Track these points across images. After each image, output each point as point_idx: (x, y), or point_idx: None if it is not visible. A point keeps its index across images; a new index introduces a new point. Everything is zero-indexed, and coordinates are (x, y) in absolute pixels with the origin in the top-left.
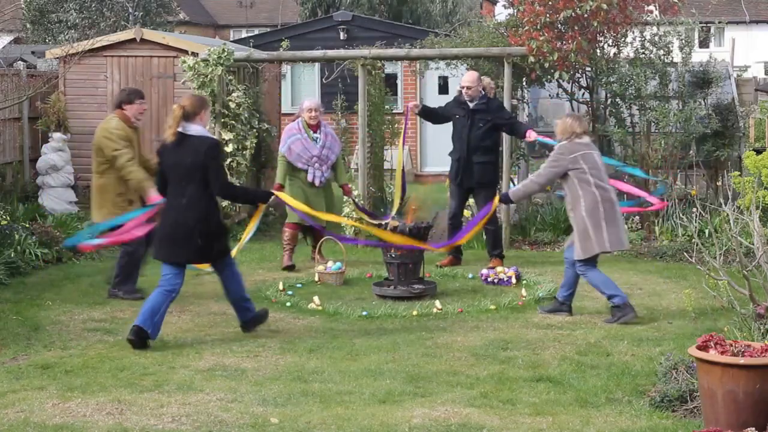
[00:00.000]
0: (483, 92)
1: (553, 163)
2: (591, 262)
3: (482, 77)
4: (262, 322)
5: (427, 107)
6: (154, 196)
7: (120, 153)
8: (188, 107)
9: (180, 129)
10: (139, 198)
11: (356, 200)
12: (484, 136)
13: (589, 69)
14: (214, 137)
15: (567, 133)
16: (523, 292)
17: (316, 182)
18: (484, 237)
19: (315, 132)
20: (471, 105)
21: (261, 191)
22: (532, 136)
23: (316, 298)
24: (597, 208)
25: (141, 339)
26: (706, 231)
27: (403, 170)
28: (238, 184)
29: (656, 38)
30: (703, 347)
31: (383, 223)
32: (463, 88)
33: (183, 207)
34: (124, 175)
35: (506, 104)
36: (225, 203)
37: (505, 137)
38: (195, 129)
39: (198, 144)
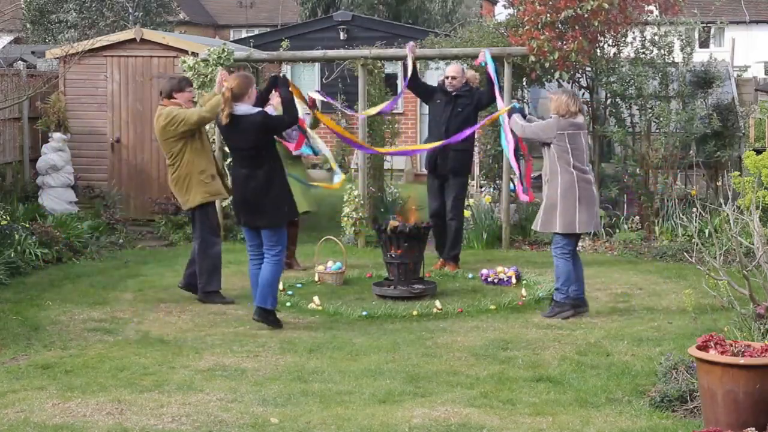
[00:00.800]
0: (467, 84)
1: (543, 127)
2: (569, 247)
3: (465, 69)
4: (269, 323)
5: (416, 73)
6: (223, 74)
7: (188, 114)
8: (236, 89)
9: (231, 110)
10: (219, 172)
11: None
12: (463, 122)
13: (589, 69)
14: (260, 110)
15: (561, 111)
16: (523, 292)
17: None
18: (450, 235)
19: None
20: (453, 92)
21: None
22: (480, 57)
23: (316, 298)
24: (573, 188)
25: (269, 319)
26: (706, 231)
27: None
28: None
29: (656, 38)
30: (703, 347)
31: (382, 226)
32: (447, 78)
33: (246, 178)
34: (212, 113)
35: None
36: (225, 203)
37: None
38: (242, 108)
39: (248, 124)
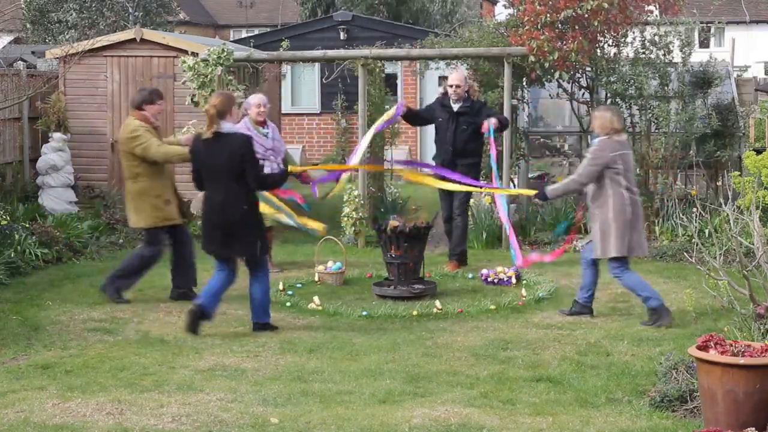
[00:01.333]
0: (467, 94)
1: (592, 161)
2: (624, 263)
3: (468, 80)
4: (268, 329)
5: (411, 109)
6: (186, 138)
7: (148, 143)
8: (219, 106)
9: (217, 128)
10: (176, 196)
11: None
12: (468, 138)
13: (589, 69)
14: (245, 133)
15: (606, 129)
16: (523, 292)
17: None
18: (452, 235)
19: (263, 127)
20: (455, 108)
21: (283, 172)
22: (484, 127)
23: (316, 298)
24: (624, 211)
25: (267, 328)
26: (706, 231)
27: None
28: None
29: (656, 38)
30: (703, 347)
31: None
32: (451, 86)
33: (223, 204)
34: (165, 160)
35: (506, 104)
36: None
37: (506, 139)
38: (227, 126)
39: (232, 141)
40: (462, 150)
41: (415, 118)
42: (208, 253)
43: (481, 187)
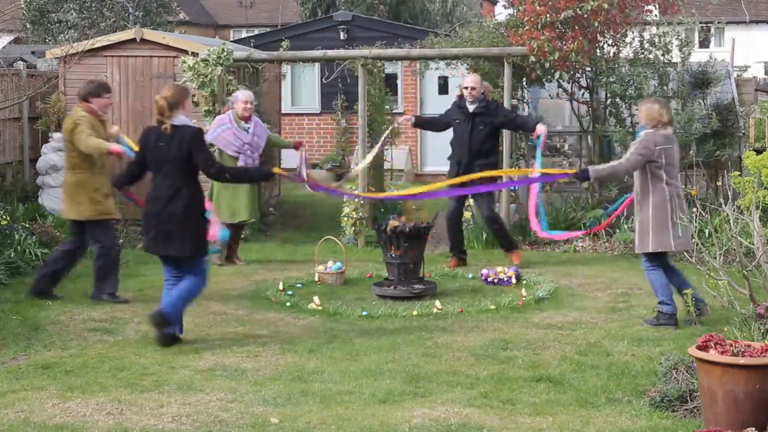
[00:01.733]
0: (482, 95)
1: (641, 150)
2: (658, 260)
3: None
4: (159, 329)
5: (421, 117)
6: (116, 147)
7: (80, 134)
8: (170, 98)
9: (170, 121)
10: (113, 190)
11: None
12: (485, 139)
13: (589, 69)
14: (197, 126)
15: (654, 121)
16: (523, 292)
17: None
18: (497, 235)
19: (246, 123)
20: (471, 108)
21: (263, 169)
22: (540, 129)
23: (316, 298)
24: (665, 207)
25: (162, 325)
26: (706, 231)
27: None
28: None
29: (656, 38)
30: (703, 347)
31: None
32: (466, 88)
33: (169, 198)
34: (87, 150)
35: (506, 104)
36: None
37: (506, 138)
38: (180, 119)
39: (183, 134)
40: (478, 150)
41: (429, 124)
42: (148, 252)
43: (511, 178)
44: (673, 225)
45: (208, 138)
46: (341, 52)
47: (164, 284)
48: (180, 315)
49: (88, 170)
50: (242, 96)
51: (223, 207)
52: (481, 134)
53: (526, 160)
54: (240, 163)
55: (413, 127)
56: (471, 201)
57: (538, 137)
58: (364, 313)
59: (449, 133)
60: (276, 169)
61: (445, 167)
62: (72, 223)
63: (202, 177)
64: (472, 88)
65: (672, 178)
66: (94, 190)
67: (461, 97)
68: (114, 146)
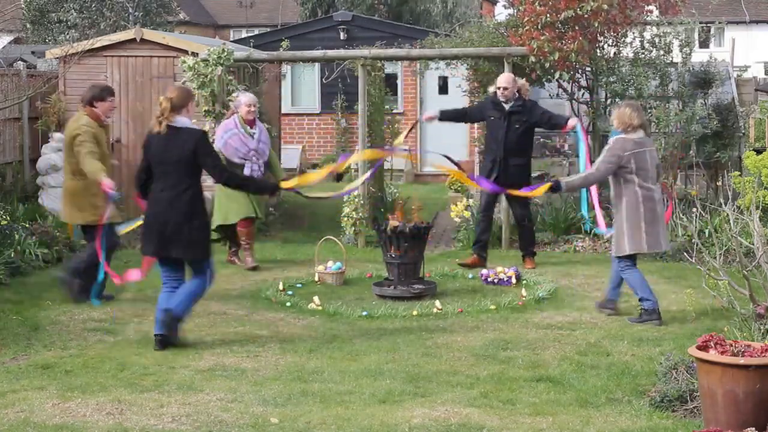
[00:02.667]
0: (518, 94)
1: (609, 158)
2: (631, 260)
3: (517, 79)
4: (169, 330)
5: (446, 112)
6: (106, 183)
7: (81, 148)
8: (175, 99)
9: (170, 122)
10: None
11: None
12: (521, 137)
13: (589, 69)
14: (201, 128)
15: (624, 125)
16: (523, 292)
17: (255, 176)
18: (524, 236)
19: (251, 127)
20: (507, 107)
21: (270, 182)
22: (572, 123)
23: (316, 298)
24: (638, 209)
25: (172, 326)
26: (706, 231)
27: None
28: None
29: (656, 38)
30: (703, 347)
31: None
32: (499, 88)
33: (171, 201)
34: (85, 169)
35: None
36: None
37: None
38: (182, 121)
39: (186, 137)
40: (512, 149)
41: (455, 117)
42: (146, 254)
43: (503, 192)
44: (645, 227)
45: (217, 145)
46: (341, 52)
47: (162, 287)
48: (186, 309)
49: (75, 178)
50: (245, 99)
51: (217, 208)
52: (516, 132)
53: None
54: (246, 171)
55: (439, 121)
56: (471, 201)
57: (574, 131)
58: (364, 313)
59: (449, 134)
60: (283, 184)
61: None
62: (82, 227)
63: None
64: (504, 89)
65: (645, 181)
66: (93, 195)
67: (495, 94)
68: (105, 181)
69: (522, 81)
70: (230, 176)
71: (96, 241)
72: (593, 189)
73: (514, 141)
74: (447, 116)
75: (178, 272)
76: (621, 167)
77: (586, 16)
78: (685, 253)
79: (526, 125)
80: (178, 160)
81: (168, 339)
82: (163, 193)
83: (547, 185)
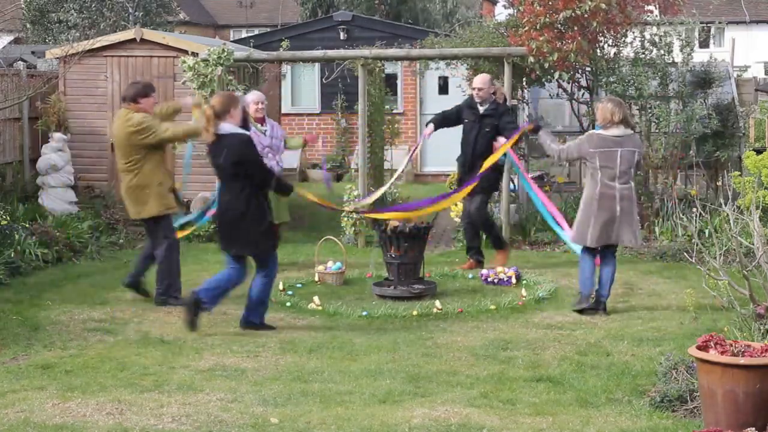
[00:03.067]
0: (493, 97)
1: (574, 145)
2: (588, 250)
3: (495, 82)
4: (257, 329)
5: (436, 121)
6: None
7: (158, 130)
8: (217, 107)
9: (214, 129)
10: (171, 184)
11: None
12: (491, 141)
13: (589, 69)
14: (245, 132)
15: (605, 120)
16: (523, 292)
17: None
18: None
19: (262, 125)
20: (481, 110)
21: (288, 183)
22: (499, 142)
23: (316, 298)
24: (591, 204)
25: (257, 327)
26: (706, 231)
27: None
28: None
29: (656, 38)
30: (703, 347)
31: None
32: (474, 89)
33: (228, 202)
34: (184, 137)
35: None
36: None
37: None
38: (225, 127)
39: (229, 142)
40: (483, 153)
41: (446, 122)
42: (222, 250)
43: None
44: (594, 222)
45: None
46: (341, 52)
47: (255, 274)
48: (262, 315)
49: (152, 168)
50: (252, 97)
51: None
52: (486, 136)
53: (527, 160)
54: None
55: (436, 130)
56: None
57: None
58: (364, 313)
59: (449, 135)
60: (302, 192)
61: (445, 168)
62: (146, 222)
63: None
64: (479, 89)
65: (610, 179)
66: (159, 185)
67: (473, 96)
68: (200, 121)
69: (499, 85)
70: (263, 181)
71: (165, 231)
72: (551, 206)
73: (484, 144)
74: (438, 123)
75: (240, 262)
76: (586, 160)
77: (585, 16)
78: (685, 253)
79: (496, 130)
80: (225, 166)
81: (249, 321)
82: (224, 196)
83: (529, 127)
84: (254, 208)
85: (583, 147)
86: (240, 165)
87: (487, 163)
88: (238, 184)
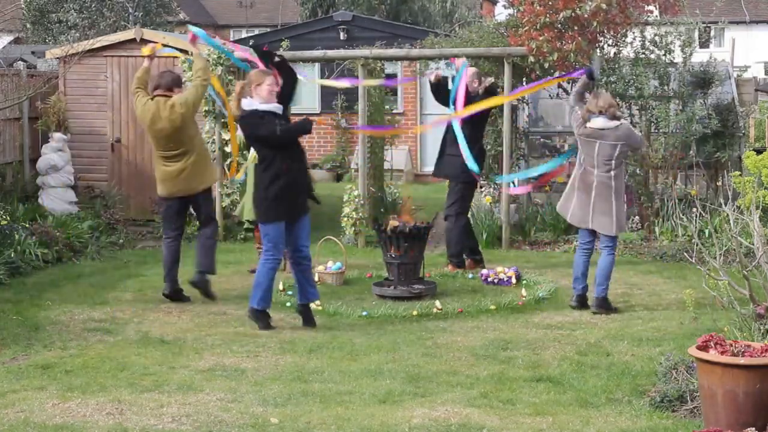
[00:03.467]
0: (479, 91)
1: (573, 119)
2: (582, 245)
3: (483, 78)
4: (255, 321)
5: (443, 84)
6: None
7: (192, 94)
8: (245, 83)
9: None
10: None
11: None
12: (472, 130)
13: None
14: (258, 109)
15: (587, 112)
16: (523, 292)
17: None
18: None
19: None
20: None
21: (306, 122)
22: (458, 62)
23: None
24: (573, 184)
25: (256, 317)
26: (706, 231)
27: None
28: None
29: (657, 38)
30: (703, 347)
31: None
32: None
33: (256, 172)
34: (205, 83)
35: (506, 104)
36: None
37: (505, 138)
38: (246, 103)
39: (245, 119)
40: (453, 139)
41: (441, 92)
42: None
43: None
44: (576, 201)
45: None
46: (341, 52)
47: None
48: (262, 298)
49: (201, 142)
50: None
51: (248, 205)
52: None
53: (526, 160)
54: None
55: (435, 80)
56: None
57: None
58: (364, 313)
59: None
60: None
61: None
62: (176, 216)
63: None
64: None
65: (590, 167)
66: (207, 158)
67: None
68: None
69: (489, 79)
70: (282, 136)
71: (209, 206)
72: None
73: (453, 132)
74: (439, 86)
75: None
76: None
77: (585, 16)
78: (685, 253)
79: (472, 116)
80: (247, 139)
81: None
82: (257, 167)
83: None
84: (266, 180)
85: (576, 119)
86: (253, 141)
87: (492, 102)
88: (264, 157)
